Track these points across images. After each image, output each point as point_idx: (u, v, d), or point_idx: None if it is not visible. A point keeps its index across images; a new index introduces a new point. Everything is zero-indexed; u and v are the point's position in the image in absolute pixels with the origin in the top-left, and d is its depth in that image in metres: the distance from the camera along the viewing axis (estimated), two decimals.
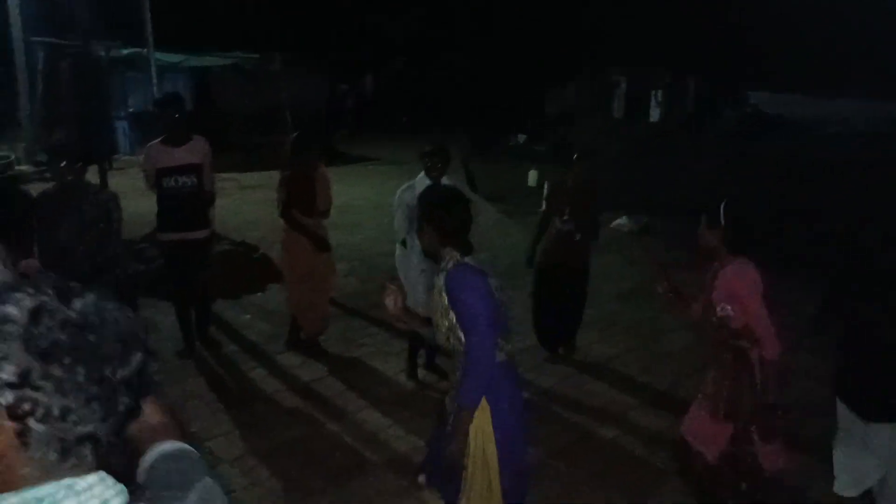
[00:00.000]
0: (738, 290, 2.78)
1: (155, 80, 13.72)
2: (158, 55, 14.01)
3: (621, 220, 9.35)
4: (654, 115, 11.66)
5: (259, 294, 6.44)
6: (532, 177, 12.55)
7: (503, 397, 2.42)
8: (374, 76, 24.59)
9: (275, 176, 13.65)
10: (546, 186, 5.18)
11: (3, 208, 3.82)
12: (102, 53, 14.02)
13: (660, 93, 12.10)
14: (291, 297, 5.17)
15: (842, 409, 2.85)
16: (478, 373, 2.34)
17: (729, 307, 2.82)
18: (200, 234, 4.73)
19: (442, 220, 2.43)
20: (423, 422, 4.12)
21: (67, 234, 3.94)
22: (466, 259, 2.44)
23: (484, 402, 2.39)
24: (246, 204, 10.40)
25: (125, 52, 14.76)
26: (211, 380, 4.66)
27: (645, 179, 8.41)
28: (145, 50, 13.84)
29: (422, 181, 4.37)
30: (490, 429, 2.41)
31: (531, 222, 8.97)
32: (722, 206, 2.79)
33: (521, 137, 18.11)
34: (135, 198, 11.14)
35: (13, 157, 13.04)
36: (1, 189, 5.07)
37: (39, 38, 14.20)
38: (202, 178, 4.68)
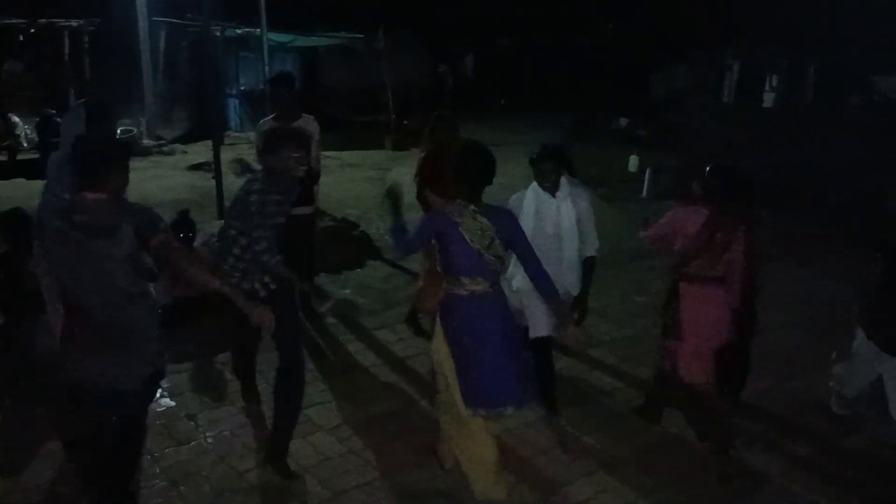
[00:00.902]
0: (686, 227, 3.48)
1: (267, 60, 14.21)
2: (270, 35, 14.49)
3: None
4: (769, 100, 11.02)
5: (358, 270, 6.62)
6: (633, 162, 12.20)
7: (464, 324, 3.06)
8: (475, 56, 24.50)
9: (374, 155, 13.97)
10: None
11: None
12: (218, 33, 14.67)
13: (775, 77, 11.42)
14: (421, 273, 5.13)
15: (863, 345, 3.72)
16: None
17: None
18: (306, 209, 4.90)
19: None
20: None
21: None
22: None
23: (439, 326, 3.16)
24: (347, 182, 10.68)
25: (239, 31, 15.36)
26: (311, 350, 4.84)
27: (760, 168, 8.00)
28: (258, 30, 14.34)
29: (535, 191, 3.67)
30: (445, 347, 3.12)
31: (631, 209, 8.81)
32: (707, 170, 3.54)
33: (624, 121, 17.59)
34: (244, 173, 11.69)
35: (136, 130, 13.91)
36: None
37: (161, 19, 14.99)
38: (310, 155, 4.84)
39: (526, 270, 3.12)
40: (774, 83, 10.85)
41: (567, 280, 3.56)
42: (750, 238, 3.48)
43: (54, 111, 12.41)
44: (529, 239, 3.17)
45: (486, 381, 3.04)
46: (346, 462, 3.54)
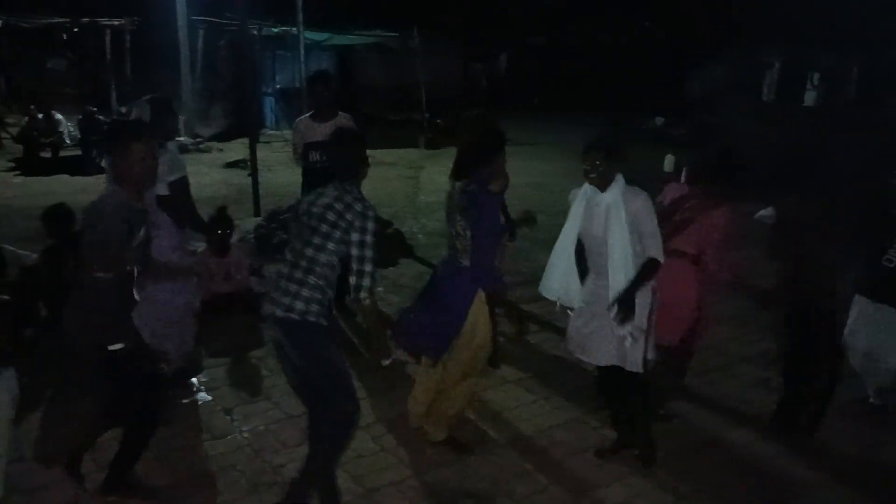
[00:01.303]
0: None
1: (303, 58, 14.37)
2: (306, 33, 14.65)
3: (766, 211, 8.78)
4: (809, 98, 10.80)
5: (391, 268, 6.65)
6: (668, 162, 12.02)
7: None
8: (509, 55, 24.43)
9: (407, 153, 14.01)
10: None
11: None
12: (255, 32, 14.87)
13: (816, 75, 11.19)
14: None
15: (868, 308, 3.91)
16: None
17: None
18: None
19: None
20: (545, 405, 4.14)
21: None
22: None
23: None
24: (381, 180, 10.72)
25: (276, 30, 15.56)
26: (344, 346, 4.88)
27: (800, 168, 7.81)
28: (294, 28, 14.50)
29: (585, 190, 3.45)
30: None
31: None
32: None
33: (659, 120, 17.40)
34: (279, 170, 11.85)
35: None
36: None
37: (200, 17, 15.24)
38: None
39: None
40: (816, 81, 10.65)
41: (613, 287, 3.28)
42: (727, 219, 3.71)
43: (96, 108, 12.71)
44: (575, 238, 3.41)
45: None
46: (379, 460, 3.56)
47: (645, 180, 10.12)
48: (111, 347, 2.82)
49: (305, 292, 2.91)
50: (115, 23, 15.57)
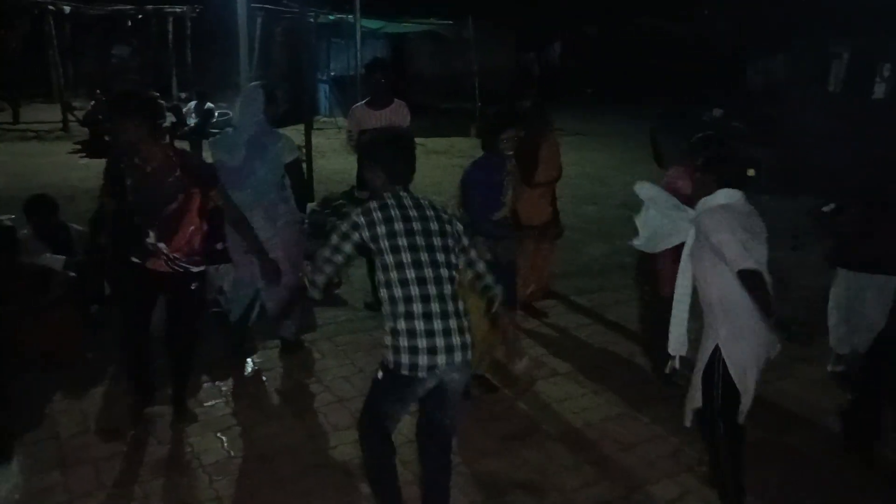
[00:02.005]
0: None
1: (359, 46, 14.45)
2: (361, 21, 14.74)
3: (828, 207, 8.47)
4: (880, 91, 10.34)
5: None
6: None
7: None
8: (563, 44, 24.12)
9: (458, 142, 13.99)
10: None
11: None
12: (312, 20, 15.02)
13: (888, 66, 10.70)
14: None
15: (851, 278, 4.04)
16: None
17: None
18: None
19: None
20: (595, 398, 4.10)
21: None
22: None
23: None
24: (431, 168, 10.75)
25: (332, 18, 15.68)
26: None
27: (867, 163, 7.49)
28: (350, 16, 14.60)
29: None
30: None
31: None
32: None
33: (718, 112, 16.91)
34: (332, 156, 12.00)
35: (231, 114, 14.43)
36: None
37: (259, 5, 15.48)
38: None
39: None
40: (887, 73, 10.19)
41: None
42: None
43: (158, 94, 13.02)
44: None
45: None
46: None
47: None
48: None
49: (466, 321, 2.60)
50: (178, 10, 15.96)
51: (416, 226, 2.56)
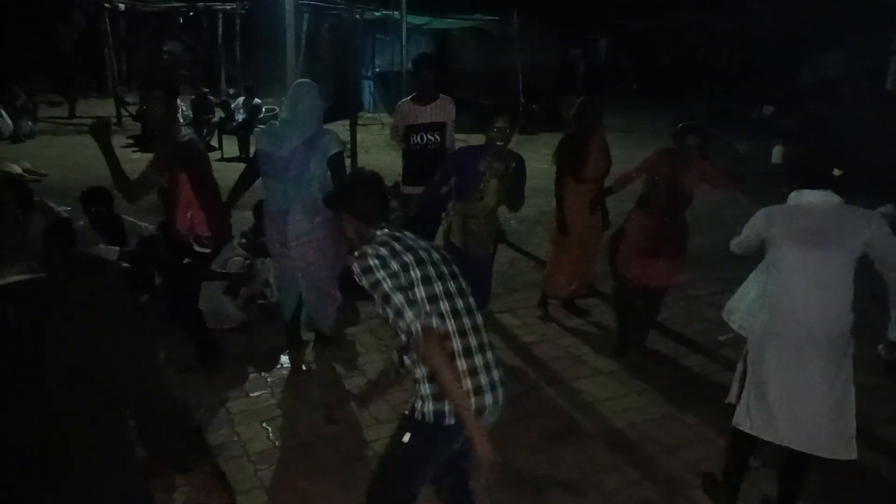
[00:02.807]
0: None
1: (404, 42, 14.51)
2: (407, 17, 14.80)
3: (885, 208, 8.20)
4: None
5: None
6: (777, 153, 11.46)
7: None
8: (609, 40, 23.81)
9: None
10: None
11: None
12: (357, 16, 15.15)
13: None
14: (555, 255, 5.12)
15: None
16: None
17: None
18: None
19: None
20: (638, 399, 4.05)
21: None
22: None
23: None
24: None
25: (377, 14, 15.78)
26: None
27: None
28: (395, 13, 14.67)
29: None
30: None
31: (772, 204, 8.27)
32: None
33: (768, 109, 16.51)
34: (376, 152, 12.09)
35: (277, 110, 14.66)
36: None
37: (305, 2, 15.67)
38: (445, 136, 4.92)
39: None
40: None
41: None
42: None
43: (208, 89, 13.31)
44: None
45: None
46: None
47: (752, 171, 9.68)
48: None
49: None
50: (228, 7, 16.26)
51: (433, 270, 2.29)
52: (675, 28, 21.94)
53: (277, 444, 3.52)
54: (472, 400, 2.18)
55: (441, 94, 4.99)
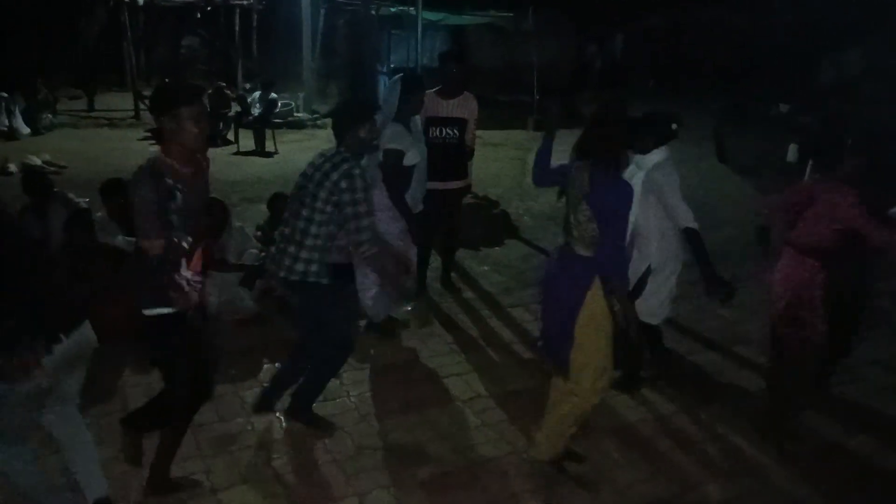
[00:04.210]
0: None
1: (420, 38, 14.51)
2: (422, 13, 14.80)
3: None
4: None
5: (496, 248, 6.68)
6: (792, 151, 11.34)
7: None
8: (625, 36, 23.67)
9: (515, 135, 13.89)
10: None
11: None
12: (373, 12, 15.17)
13: None
14: None
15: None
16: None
17: None
18: (456, 184, 5.00)
19: None
20: (653, 394, 4.04)
21: None
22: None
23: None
24: (488, 160, 10.73)
25: (393, 10, 15.80)
26: (448, 322, 4.97)
27: None
28: (411, 8, 14.67)
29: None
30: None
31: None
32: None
33: (784, 107, 16.34)
34: None
35: (293, 105, 14.74)
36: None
37: None
38: (465, 132, 4.93)
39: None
40: None
41: None
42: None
43: (224, 84, 13.39)
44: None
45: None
46: (480, 434, 3.61)
47: (767, 169, 9.59)
48: (148, 312, 2.74)
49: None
50: (245, 2, 16.33)
51: None
52: (691, 24, 21.79)
53: (292, 433, 3.55)
54: None
55: (465, 91, 4.99)
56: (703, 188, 9.00)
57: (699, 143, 11.85)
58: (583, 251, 2.93)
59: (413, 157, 4.26)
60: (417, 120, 4.46)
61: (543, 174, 3.29)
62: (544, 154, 3.30)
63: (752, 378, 4.28)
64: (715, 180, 10.14)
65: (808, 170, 4.62)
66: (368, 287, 4.35)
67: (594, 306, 2.92)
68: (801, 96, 15.70)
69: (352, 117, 3.32)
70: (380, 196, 4.20)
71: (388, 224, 4.22)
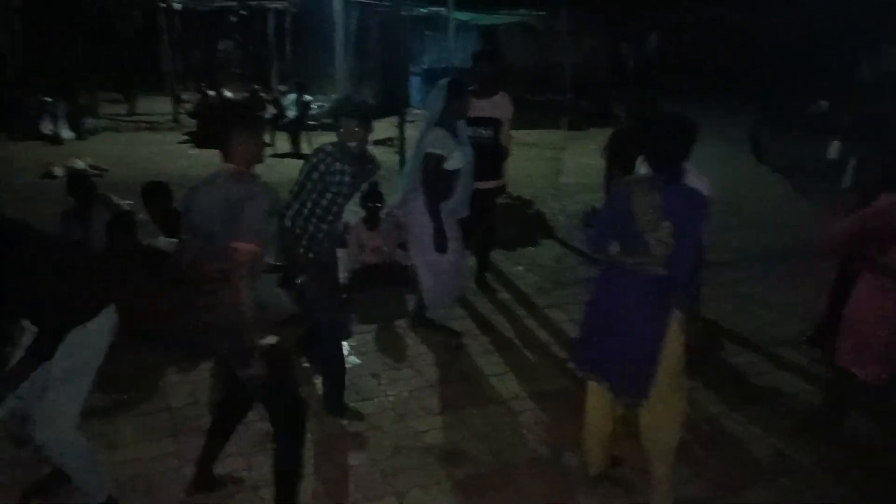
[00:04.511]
0: None
1: (452, 38, 14.55)
2: (454, 14, 14.83)
3: None
4: None
5: (531, 248, 6.67)
6: (834, 148, 11.10)
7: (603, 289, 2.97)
8: (660, 34, 23.42)
9: (548, 135, 13.83)
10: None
11: None
12: (405, 13, 15.24)
13: None
14: None
15: None
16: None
17: None
18: (490, 184, 5.00)
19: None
20: (690, 395, 4.00)
21: None
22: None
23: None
24: (522, 160, 10.67)
25: (424, 11, 15.86)
26: (482, 322, 4.98)
27: None
28: (443, 9, 14.71)
29: None
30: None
31: (827, 201, 8.05)
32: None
33: (823, 104, 16.02)
34: None
35: (327, 106, 14.87)
36: None
37: (355, 0, 15.85)
38: (499, 132, 4.93)
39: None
40: None
41: None
42: None
43: (259, 86, 13.59)
44: None
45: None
46: (517, 435, 3.61)
47: (806, 168, 9.38)
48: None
49: None
50: (279, 6, 16.54)
51: None
52: (727, 21, 21.47)
53: (328, 431, 3.60)
54: None
55: (501, 91, 5.00)
56: (739, 188, 8.86)
57: (735, 141, 11.68)
58: (659, 270, 2.75)
59: (456, 161, 4.26)
60: (463, 125, 4.44)
61: (601, 238, 2.98)
62: (600, 220, 3.07)
63: (791, 380, 4.22)
64: (751, 180, 9.98)
65: (848, 169, 4.54)
66: (427, 279, 4.41)
67: (676, 327, 2.80)
68: (840, 93, 15.37)
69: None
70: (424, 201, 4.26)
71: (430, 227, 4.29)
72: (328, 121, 14.23)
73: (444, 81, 4.34)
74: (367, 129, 3.59)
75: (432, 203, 4.27)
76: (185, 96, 15.26)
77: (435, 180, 4.25)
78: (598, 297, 3.00)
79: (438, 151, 4.20)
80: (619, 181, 3.61)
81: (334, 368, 3.71)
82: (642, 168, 3.30)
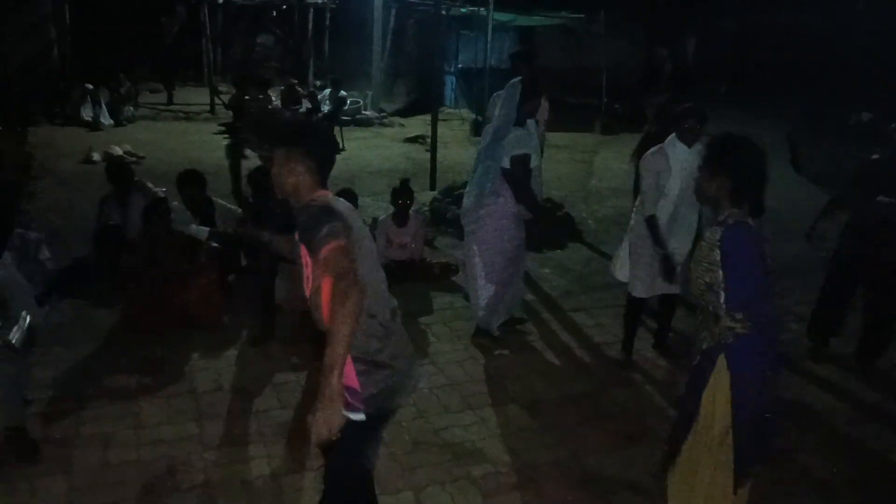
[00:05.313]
0: None
1: (489, 38, 14.49)
2: (493, 14, 14.78)
3: None
4: None
5: (559, 251, 6.63)
6: None
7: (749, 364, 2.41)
8: (698, 39, 23.08)
9: (582, 138, 13.71)
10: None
11: None
12: (444, 12, 15.24)
13: None
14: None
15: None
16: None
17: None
18: None
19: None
20: None
21: None
22: (748, 220, 2.48)
23: (724, 362, 2.42)
24: (554, 162, 10.64)
25: (464, 10, 15.84)
26: (508, 323, 4.96)
27: None
28: (482, 9, 14.67)
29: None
30: (728, 389, 2.41)
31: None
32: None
33: (866, 115, 15.65)
34: (454, 147, 12.16)
35: (361, 103, 14.97)
36: None
37: None
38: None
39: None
40: None
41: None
42: None
43: (296, 81, 13.72)
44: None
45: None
46: (538, 437, 3.60)
47: (845, 179, 9.15)
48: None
49: None
50: (319, 2, 16.69)
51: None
52: (766, 26, 21.08)
53: None
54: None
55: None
56: (773, 197, 8.69)
57: (771, 149, 11.48)
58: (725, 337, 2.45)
59: (535, 159, 4.32)
60: (534, 124, 4.42)
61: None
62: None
63: (821, 395, 4.14)
64: (787, 189, 9.78)
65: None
66: (483, 293, 4.42)
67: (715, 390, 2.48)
68: (884, 103, 14.99)
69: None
70: (504, 204, 4.25)
71: (506, 232, 4.29)
72: (363, 116, 14.40)
73: (516, 80, 4.28)
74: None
75: (533, 202, 4.31)
76: (222, 88, 15.47)
77: (527, 181, 4.26)
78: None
79: (523, 151, 4.20)
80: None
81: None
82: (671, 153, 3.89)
